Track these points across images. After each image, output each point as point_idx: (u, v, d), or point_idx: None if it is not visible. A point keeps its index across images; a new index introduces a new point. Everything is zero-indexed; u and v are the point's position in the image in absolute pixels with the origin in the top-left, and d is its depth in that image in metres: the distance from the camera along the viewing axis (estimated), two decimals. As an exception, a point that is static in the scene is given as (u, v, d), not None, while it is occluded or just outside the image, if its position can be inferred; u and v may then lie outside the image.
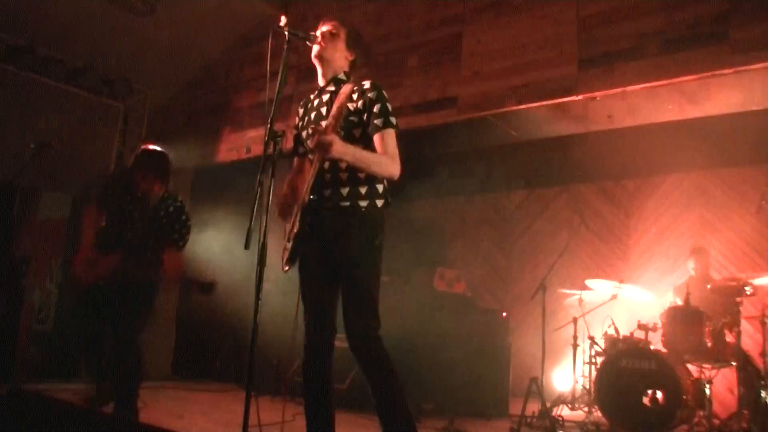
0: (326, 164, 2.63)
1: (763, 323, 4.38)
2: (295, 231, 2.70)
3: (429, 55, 4.93)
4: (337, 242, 2.64)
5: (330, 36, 2.78)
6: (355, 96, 2.67)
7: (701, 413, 4.40)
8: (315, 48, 2.77)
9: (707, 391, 4.40)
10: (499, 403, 5.16)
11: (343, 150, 2.49)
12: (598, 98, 4.20)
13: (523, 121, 4.96)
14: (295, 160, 3.00)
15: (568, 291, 5.50)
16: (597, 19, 4.18)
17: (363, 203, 2.65)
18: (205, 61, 6.59)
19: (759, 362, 4.45)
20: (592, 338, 5.14)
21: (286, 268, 2.76)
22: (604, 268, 6.71)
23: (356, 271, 2.61)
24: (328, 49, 2.77)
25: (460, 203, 8.08)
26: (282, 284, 5.89)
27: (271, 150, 2.53)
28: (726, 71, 3.68)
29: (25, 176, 4.09)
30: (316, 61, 2.81)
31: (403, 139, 2.69)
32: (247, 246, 2.38)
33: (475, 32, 4.74)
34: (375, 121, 2.63)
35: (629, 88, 4.01)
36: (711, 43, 3.72)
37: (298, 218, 2.70)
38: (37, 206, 6.17)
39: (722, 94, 4.27)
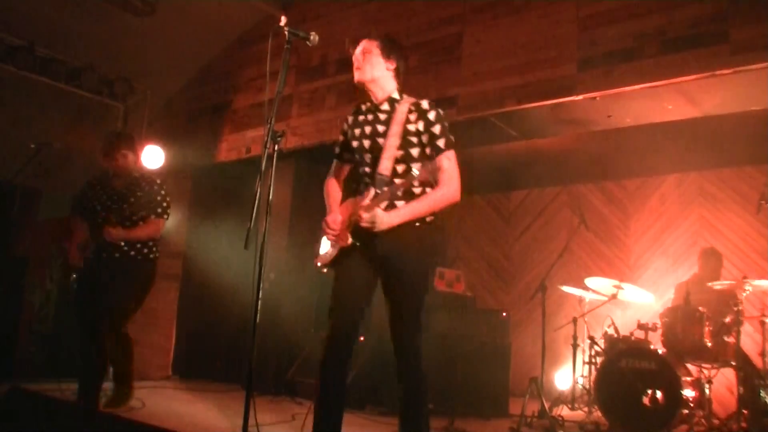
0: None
1: (763, 323, 4.38)
2: (348, 243, 2.70)
3: (429, 55, 4.92)
4: (395, 257, 2.68)
5: (364, 56, 2.74)
6: (413, 117, 2.68)
7: (701, 413, 4.40)
8: (355, 74, 2.74)
9: (707, 391, 4.40)
10: (499, 403, 5.15)
11: (390, 221, 2.59)
12: (598, 98, 4.20)
13: (523, 121, 4.95)
14: (335, 163, 2.99)
15: (567, 289, 5.49)
16: (597, 19, 4.17)
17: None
18: (205, 61, 6.59)
19: (759, 362, 4.45)
20: (592, 338, 5.14)
21: (324, 270, 2.84)
22: (604, 268, 6.71)
23: (410, 285, 2.70)
24: (366, 70, 2.73)
25: (461, 203, 8.04)
26: (282, 284, 5.90)
27: (271, 150, 2.53)
28: (726, 71, 3.67)
29: (25, 176, 4.12)
30: (361, 86, 2.78)
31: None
32: (246, 246, 2.39)
33: (475, 32, 4.73)
34: (437, 143, 2.67)
35: (629, 88, 4.01)
36: (711, 43, 3.72)
37: (350, 231, 2.70)
38: (37, 206, 6.18)
39: (722, 94, 4.27)
